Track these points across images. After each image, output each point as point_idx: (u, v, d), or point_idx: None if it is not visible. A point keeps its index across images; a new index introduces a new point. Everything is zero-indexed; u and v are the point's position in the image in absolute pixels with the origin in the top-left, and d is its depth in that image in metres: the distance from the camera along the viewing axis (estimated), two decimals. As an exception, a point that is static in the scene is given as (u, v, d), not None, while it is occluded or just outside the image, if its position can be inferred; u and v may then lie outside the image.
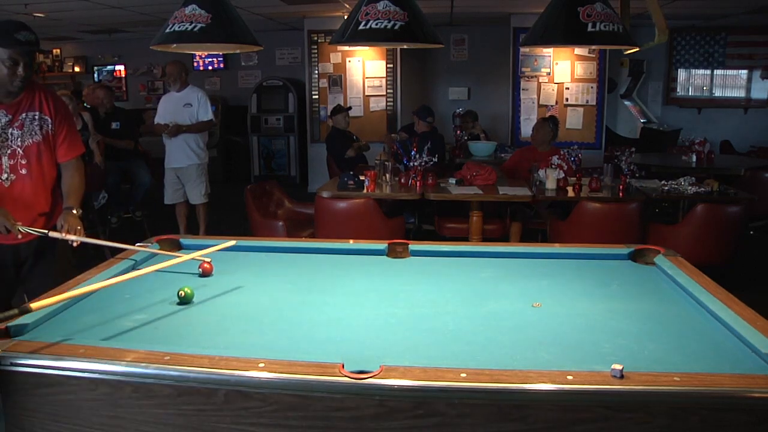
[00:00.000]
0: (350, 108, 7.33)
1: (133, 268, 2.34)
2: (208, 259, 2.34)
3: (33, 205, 2.61)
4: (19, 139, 2.53)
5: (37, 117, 2.58)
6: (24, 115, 2.54)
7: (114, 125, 6.05)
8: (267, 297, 2.11)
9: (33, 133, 2.57)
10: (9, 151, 2.52)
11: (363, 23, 3.67)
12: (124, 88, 10.80)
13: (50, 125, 2.61)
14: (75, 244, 2.52)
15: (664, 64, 9.55)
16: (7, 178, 2.54)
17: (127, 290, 2.11)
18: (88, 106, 6.33)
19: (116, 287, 2.13)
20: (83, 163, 2.81)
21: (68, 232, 2.47)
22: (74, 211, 2.54)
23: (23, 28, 2.42)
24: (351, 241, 2.75)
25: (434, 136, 6.07)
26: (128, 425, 1.51)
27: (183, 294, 2.00)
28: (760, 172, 6.15)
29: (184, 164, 5.60)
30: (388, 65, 8.66)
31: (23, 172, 2.56)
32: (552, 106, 8.27)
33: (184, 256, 2.37)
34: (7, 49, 2.37)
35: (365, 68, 8.72)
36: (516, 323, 1.86)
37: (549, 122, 5.61)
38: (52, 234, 2.49)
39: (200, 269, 2.32)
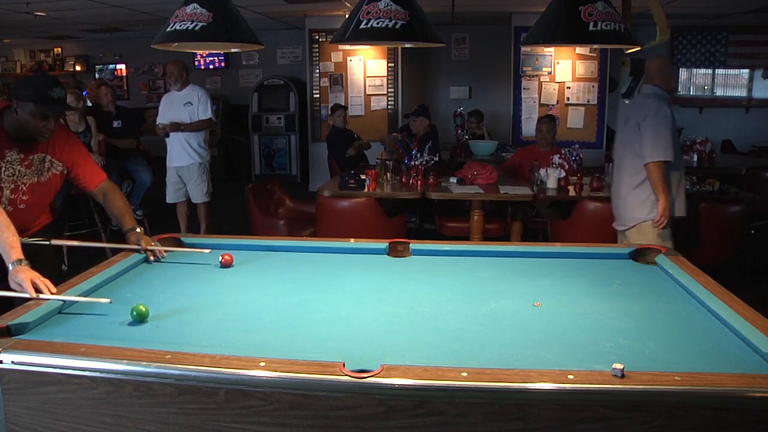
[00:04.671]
0: (346, 107, 7.33)
1: (144, 261, 2.45)
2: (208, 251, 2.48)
3: (22, 230, 2.58)
4: (25, 176, 2.56)
5: (46, 159, 2.61)
6: (34, 156, 2.57)
7: (116, 124, 6.04)
8: (268, 296, 2.11)
9: (39, 173, 2.60)
10: (13, 186, 2.54)
11: (364, 22, 3.66)
12: (125, 87, 10.79)
13: (59, 167, 2.65)
14: (163, 253, 2.50)
15: (665, 63, 9.53)
16: (3, 209, 2.52)
17: (128, 288, 2.11)
18: (91, 104, 6.33)
19: (116, 286, 2.14)
20: (114, 183, 2.83)
21: (151, 247, 2.48)
22: (138, 230, 2.56)
23: (56, 84, 2.44)
24: (352, 240, 2.75)
25: (432, 135, 6.07)
26: (129, 424, 1.51)
27: (137, 313, 1.83)
28: (762, 171, 6.14)
29: (186, 163, 5.61)
30: (390, 64, 8.65)
31: (21, 207, 2.58)
32: (553, 105, 8.26)
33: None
34: (38, 105, 2.39)
35: (366, 67, 8.71)
36: (517, 322, 1.86)
37: (552, 121, 5.63)
38: (55, 242, 2.58)
39: (220, 261, 2.38)
